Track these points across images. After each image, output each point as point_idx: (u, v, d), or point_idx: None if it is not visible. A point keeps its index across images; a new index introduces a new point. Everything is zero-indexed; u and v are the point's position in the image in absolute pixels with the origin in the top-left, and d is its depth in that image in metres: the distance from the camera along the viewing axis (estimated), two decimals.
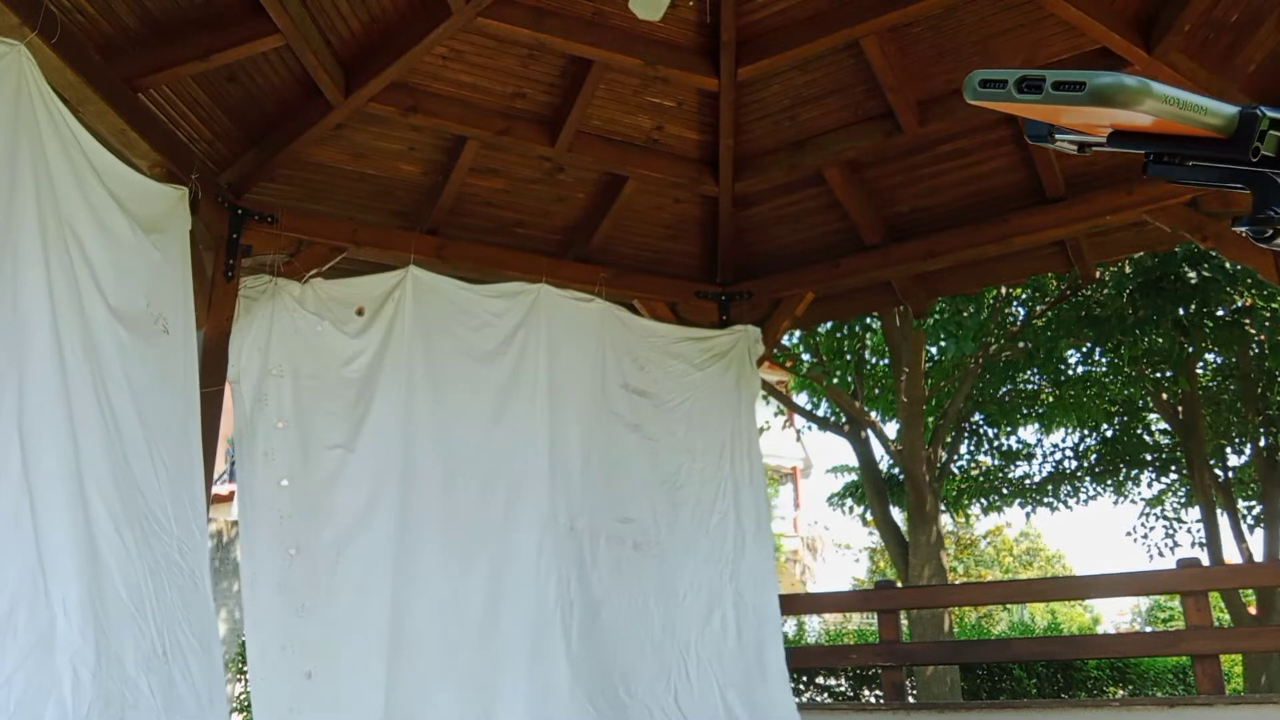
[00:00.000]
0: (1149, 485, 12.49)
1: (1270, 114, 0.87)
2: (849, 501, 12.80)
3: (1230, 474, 11.40)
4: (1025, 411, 11.16)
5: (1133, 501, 12.91)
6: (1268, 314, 8.71)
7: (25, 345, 2.72)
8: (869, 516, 11.67)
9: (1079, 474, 12.32)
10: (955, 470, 11.91)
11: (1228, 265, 7.73)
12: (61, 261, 2.99)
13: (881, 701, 7.06)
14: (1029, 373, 10.79)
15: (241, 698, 8.75)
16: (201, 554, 3.44)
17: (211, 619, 3.39)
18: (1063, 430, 11.73)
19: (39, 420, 2.72)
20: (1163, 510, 12.95)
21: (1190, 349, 9.57)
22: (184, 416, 3.58)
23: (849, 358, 10.64)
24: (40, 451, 2.70)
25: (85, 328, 3.05)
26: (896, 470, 10.54)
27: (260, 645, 3.92)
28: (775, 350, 6.31)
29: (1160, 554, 12.56)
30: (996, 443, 12.07)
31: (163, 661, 3.03)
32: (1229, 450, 11.36)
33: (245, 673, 4.05)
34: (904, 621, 8.22)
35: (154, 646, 3.00)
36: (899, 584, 8.39)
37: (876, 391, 11.05)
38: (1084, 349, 10.40)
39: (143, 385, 3.31)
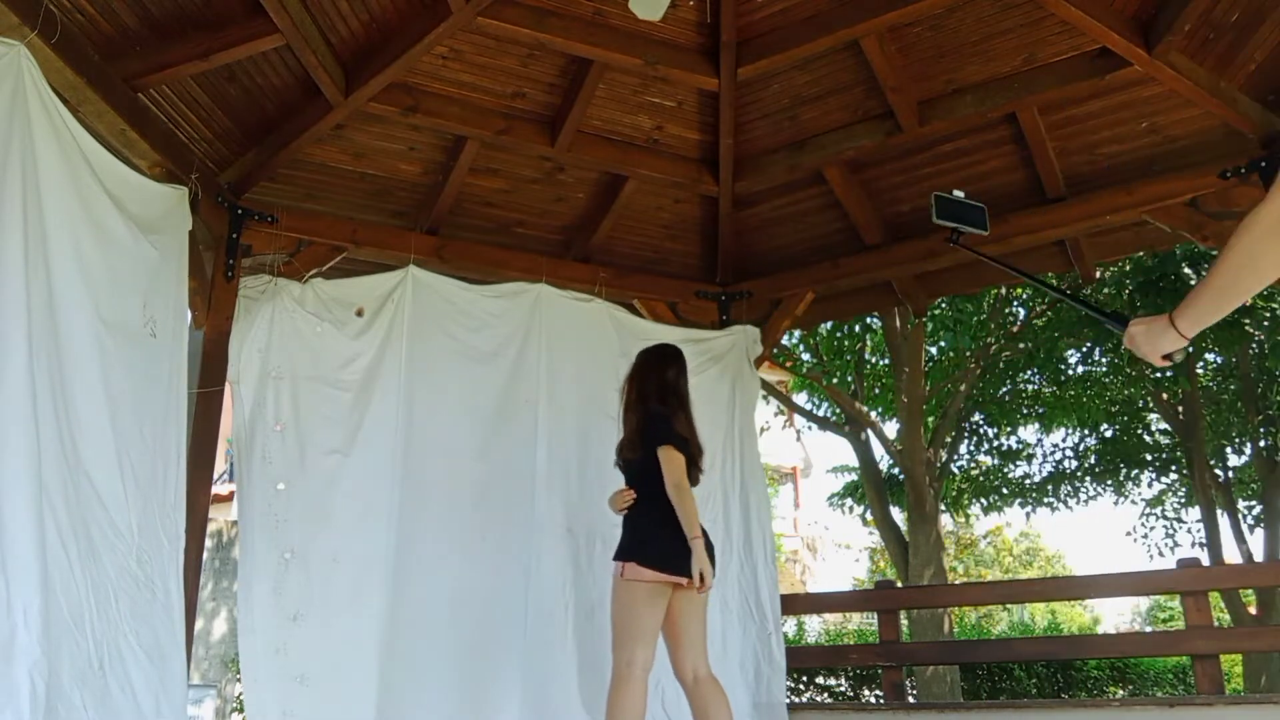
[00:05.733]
0: (1149, 485, 12.49)
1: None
2: (849, 501, 12.79)
3: (1230, 474, 11.40)
4: (1025, 411, 11.16)
5: (1133, 502, 12.90)
6: (1268, 314, 8.71)
7: (2, 353, 2.68)
8: (869, 516, 11.66)
9: (1079, 474, 12.31)
10: (955, 470, 11.91)
11: None
12: (47, 267, 2.94)
13: (881, 701, 7.06)
14: (1029, 373, 10.79)
15: (241, 698, 8.75)
16: (168, 562, 3.37)
17: (172, 627, 3.33)
18: (1063, 430, 11.73)
19: (12, 428, 2.67)
20: (1163, 510, 12.94)
21: (1190, 349, 9.57)
22: (164, 421, 3.50)
23: (849, 358, 10.64)
24: (10, 458, 2.65)
25: (60, 334, 2.98)
26: (896, 470, 10.54)
27: (254, 648, 3.89)
28: (775, 350, 6.30)
29: (1160, 554, 12.56)
30: (996, 443, 12.06)
31: (99, 675, 2.95)
32: (1229, 450, 11.36)
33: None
34: (904, 621, 8.22)
35: (90, 660, 2.93)
36: (899, 584, 8.38)
37: (876, 391, 11.05)
38: (1084, 349, 10.40)
39: (121, 390, 3.25)
